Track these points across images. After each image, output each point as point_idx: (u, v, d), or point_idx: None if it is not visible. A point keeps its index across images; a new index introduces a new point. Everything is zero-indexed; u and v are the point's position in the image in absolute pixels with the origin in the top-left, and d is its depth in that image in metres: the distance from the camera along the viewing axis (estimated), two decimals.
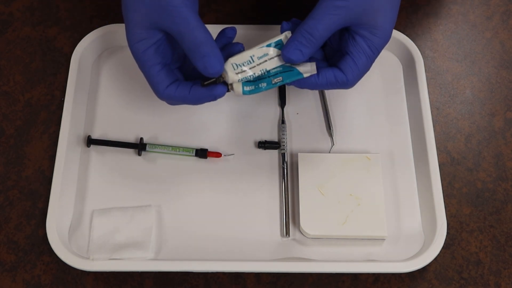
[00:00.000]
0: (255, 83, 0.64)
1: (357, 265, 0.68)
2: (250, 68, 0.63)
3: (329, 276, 0.69)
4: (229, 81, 0.64)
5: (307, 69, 0.64)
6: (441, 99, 0.80)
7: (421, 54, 0.79)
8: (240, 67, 0.63)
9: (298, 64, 0.64)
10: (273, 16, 0.85)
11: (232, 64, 0.63)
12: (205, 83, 0.63)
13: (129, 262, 0.67)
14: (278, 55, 0.64)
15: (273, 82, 0.64)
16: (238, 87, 0.64)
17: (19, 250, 0.70)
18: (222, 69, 0.62)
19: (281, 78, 0.64)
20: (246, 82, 0.64)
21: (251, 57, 0.64)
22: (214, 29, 0.74)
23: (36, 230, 0.71)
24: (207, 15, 0.85)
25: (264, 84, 0.64)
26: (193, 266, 0.67)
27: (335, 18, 0.62)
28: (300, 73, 0.64)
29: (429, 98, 0.77)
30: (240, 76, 0.63)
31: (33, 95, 0.79)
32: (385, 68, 0.80)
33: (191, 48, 0.62)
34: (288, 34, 0.64)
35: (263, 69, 0.64)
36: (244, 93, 0.64)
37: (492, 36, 0.84)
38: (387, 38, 0.64)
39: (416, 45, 0.79)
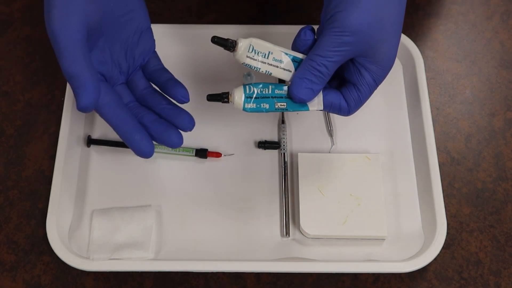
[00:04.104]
0: (257, 101, 0.61)
1: (357, 265, 0.67)
2: (260, 61, 0.60)
3: (329, 276, 0.69)
4: (236, 55, 0.60)
5: (314, 104, 0.61)
6: (441, 99, 0.80)
7: (421, 54, 0.79)
8: (253, 53, 0.59)
9: None
10: (273, 16, 0.85)
11: (251, 44, 0.59)
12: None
13: (129, 262, 0.67)
14: (288, 70, 0.60)
15: (276, 107, 0.61)
16: (239, 99, 0.61)
17: (19, 250, 0.70)
18: (152, 153, 0.63)
19: (285, 104, 0.61)
20: (248, 98, 0.61)
21: (269, 52, 0.60)
22: (214, 29, 0.74)
23: (36, 230, 0.71)
24: (207, 15, 0.85)
25: (266, 106, 0.61)
26: (193, 266, 0.67)
27: (343, 54, 0.59)
28: (306, 106, 0.61)
29: (429, 98, 0.77)
30: (247, 60, 0.59)
31: (33, 95, 0.79)
32: None
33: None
34: None
35: (268, 71, 0.60)
36: (245, 109, 0.61)
37: (492, 36, 0.84)
38: (391, 67, 0.61)
39: (416, 45, 0.79)
